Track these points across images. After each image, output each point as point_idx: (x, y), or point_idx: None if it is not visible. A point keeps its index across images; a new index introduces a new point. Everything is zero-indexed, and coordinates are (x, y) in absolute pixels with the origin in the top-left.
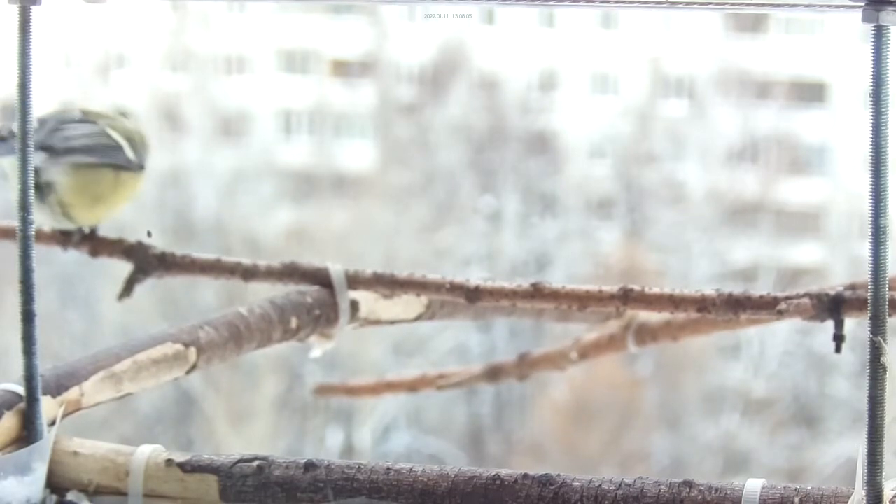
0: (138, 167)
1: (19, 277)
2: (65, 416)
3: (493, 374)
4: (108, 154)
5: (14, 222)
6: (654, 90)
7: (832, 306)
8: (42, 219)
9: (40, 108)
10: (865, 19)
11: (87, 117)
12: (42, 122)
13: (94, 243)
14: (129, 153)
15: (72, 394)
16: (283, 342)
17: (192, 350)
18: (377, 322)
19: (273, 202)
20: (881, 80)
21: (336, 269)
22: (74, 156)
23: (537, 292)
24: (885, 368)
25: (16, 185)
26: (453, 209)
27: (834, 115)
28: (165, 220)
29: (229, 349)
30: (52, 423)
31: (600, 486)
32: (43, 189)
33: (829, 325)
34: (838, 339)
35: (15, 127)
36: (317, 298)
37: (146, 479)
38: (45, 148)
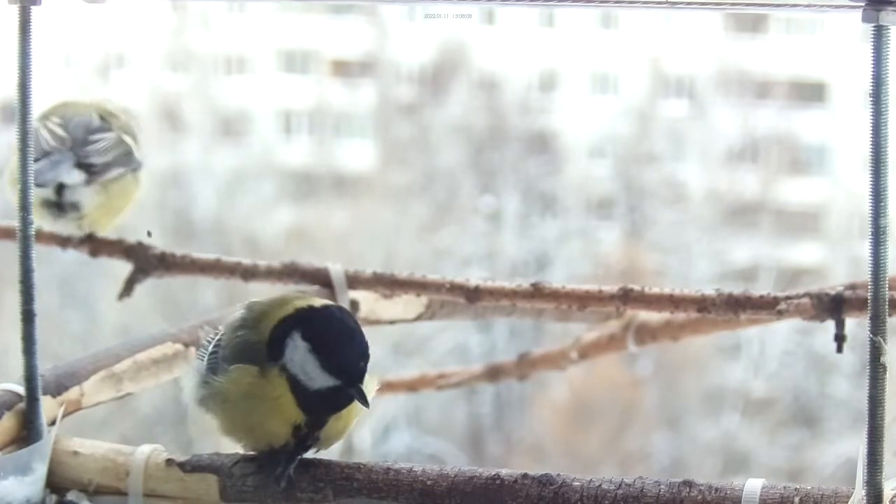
0: (141, 164)
1: (19, 277)
2: (65, 416)
3: (493, 374)
4: (128, 162)
5: (14, 222)
6: (654, 90)
7: (832, 306)
8: (54, 227)
9: (45, 102)
10: (865, 19)
11: (104, 122)
12: (64, 126)
13: (94, 243)
14: (137, 154)
15: (72, 394)
16: None
17: (192, 350)
18: (377, 322)
19: (273, 202)
20: (881, 80)
21: (336, 269)
22: (109, 172)
23: (537, 292)
24: (885, 368)
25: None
26: (453, 209)
27: (834, 115)
28: (165, 220)
29: None
30: (52, 423)
31: (600, 486)
32: (64, 207)
33: (830, 325)
34: (840, 338)
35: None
36: None
37: (146, 479)
38: (83, 166)
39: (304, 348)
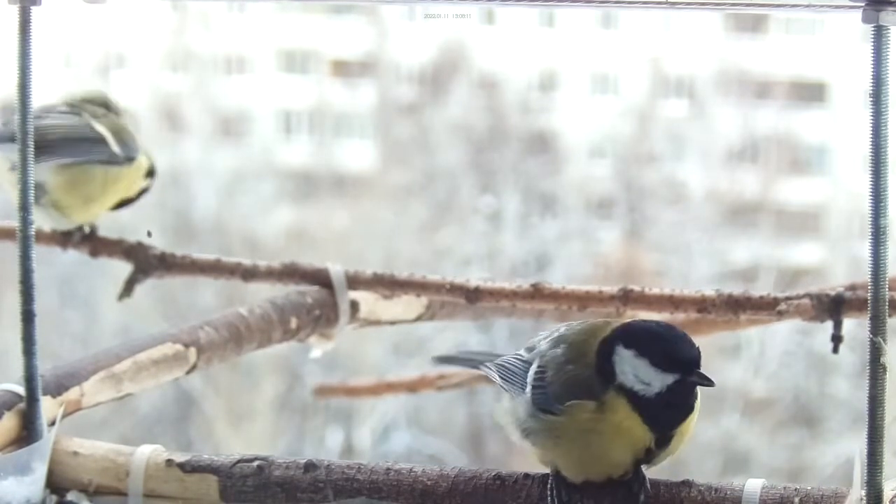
0: (126, 160)
1: (19, 277)
2: (65, 416)
3: None
4: (89, 150)
5: (14, 222)
6: (654, 90)
7: (832, 307)
8: (40, 219)
9: (45, 102)
10: (865, 19)
11: (71, 108)
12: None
13: (94, 243)
14: (115, 147)
15: (72, 394)
16: (283, 342)
17: (192, 350)
18: (377, 322)
19: (273, 202)
20: (881, 80)
21: (336, 269)
22: (53, 153)
23: (537, 292)
24: (885, 368)
25: (11, 184)
26: (453, 209)
27: (834, 115)
28: (165, 220)
29: (229, 349)
30: (52, 423)
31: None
32: (34, 190)
33: (830, 326)
34: (836, 339)
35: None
36: (317, 299)
37: (146, 480)
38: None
39: (630, 356)
